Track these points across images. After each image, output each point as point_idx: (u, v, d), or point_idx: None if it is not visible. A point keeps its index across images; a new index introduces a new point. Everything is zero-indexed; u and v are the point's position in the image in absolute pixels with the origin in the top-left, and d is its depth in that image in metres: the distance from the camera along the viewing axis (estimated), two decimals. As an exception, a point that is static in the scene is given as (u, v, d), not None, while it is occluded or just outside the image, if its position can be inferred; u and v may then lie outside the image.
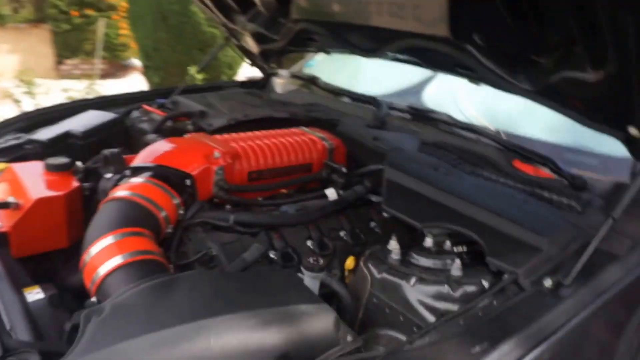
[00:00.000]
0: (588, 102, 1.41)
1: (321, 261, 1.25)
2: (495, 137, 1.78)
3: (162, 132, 1.88)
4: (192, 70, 4.08)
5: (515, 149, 1.73)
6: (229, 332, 0.94)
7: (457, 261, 1.20)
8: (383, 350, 0.98)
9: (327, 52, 2.13)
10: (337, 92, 2.22)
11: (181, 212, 1.40)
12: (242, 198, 1.53)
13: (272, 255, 1.38)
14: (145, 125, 1.99)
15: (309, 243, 1.47)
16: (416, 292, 1.16)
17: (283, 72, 2.67)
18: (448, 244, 1.35)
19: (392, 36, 1.74)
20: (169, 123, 1.93)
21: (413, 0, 1.58)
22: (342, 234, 1.56)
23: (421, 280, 1.17)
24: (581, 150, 1.72)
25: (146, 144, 1.66)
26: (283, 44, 2.18)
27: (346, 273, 1.50)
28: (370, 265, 1.25)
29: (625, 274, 1.18)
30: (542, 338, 1.00)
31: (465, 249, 1.39)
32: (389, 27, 1.71)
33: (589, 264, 1.15)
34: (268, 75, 2.65)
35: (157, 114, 2.00)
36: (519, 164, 1.68)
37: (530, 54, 1.47)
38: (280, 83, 2.66)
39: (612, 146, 1.68)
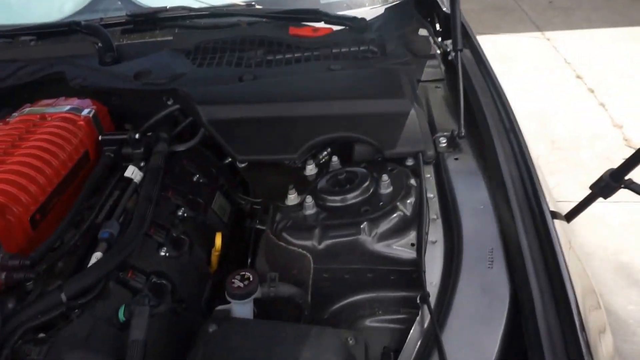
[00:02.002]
0: None
1: (251, 277, 0.92)
2: (253, 12, 1.51)
3: None
4: None
5: (280, 15, 1.52)
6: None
7: (384, 176, 1.03)
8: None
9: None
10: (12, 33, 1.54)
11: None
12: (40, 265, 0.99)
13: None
14: None
15: (162, 252, 1.09)
16: (375, 237, 0.95)
17: None
18: (335, 159, 1.17)
19: None
20: None
21: None
22: (180, 212, 1.20)
23: (372, 222, 0.96)
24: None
25: None
26: None
27: (215, 253, 1.21)
28: (295, 240, 0.99)
29: None
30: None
31: (329, 150, 1.25)
32: None
33: None
34: None
35: None
36: (294, 30, 1.49)
37: None
38: None
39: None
